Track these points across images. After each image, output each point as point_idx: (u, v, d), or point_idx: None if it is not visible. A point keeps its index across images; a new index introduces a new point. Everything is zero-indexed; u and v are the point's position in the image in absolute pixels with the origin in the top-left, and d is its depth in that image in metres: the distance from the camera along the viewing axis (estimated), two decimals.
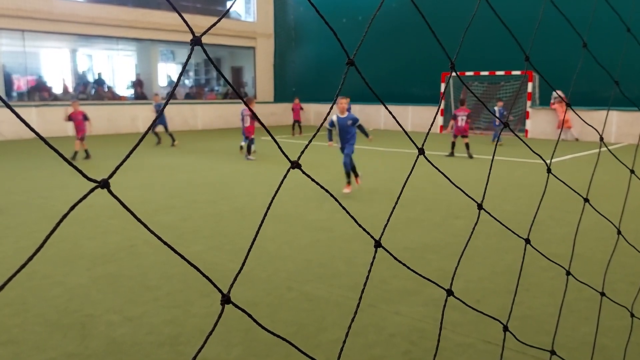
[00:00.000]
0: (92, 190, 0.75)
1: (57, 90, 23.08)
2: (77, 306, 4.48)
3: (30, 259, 0.67)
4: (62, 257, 5.64)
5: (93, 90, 23.92)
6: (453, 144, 14.54)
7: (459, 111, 14.43)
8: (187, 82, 28.23)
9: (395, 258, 1.34)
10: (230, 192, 9.46)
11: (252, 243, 1.03)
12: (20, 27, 19.64)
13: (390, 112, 1.47)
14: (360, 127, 9.01)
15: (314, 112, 26.77)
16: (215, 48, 25.91)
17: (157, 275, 5.20)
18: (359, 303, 1.27)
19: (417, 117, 23.21)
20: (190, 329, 4.09)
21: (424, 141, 1.48)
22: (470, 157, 14.08)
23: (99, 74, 25.00)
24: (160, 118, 14.49)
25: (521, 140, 1.58)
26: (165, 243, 0.83)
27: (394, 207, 1.28)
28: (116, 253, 5.87)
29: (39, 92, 21.62)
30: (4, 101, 0.79)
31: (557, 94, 12.79)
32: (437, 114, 1.70)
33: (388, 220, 1.31)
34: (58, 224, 0.70)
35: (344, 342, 1.21)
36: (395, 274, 5.10)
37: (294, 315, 4.32)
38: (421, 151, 1.50)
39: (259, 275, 5.15)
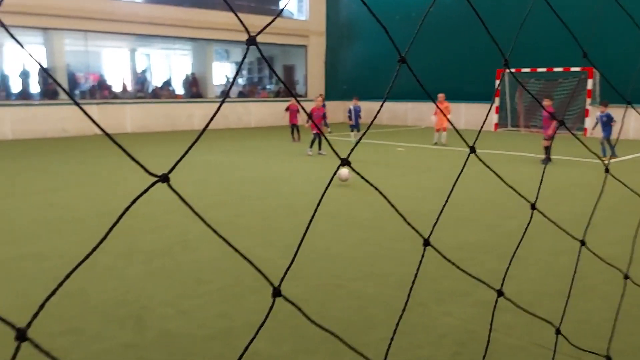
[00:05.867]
0: (153, 184, 0.79)
1: (117, 88, 23.92)
2: (133, 298, 4.64)
3: (92, 252, 0.71)
4: (120, 250, 5.85)
5: (150, 89, 24.67)
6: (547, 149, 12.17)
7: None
8: (241, 80, 28.69)
9: (444, 257, 1.33)
10: (282, 189, 9.57)
11: (302, 240, 1.05)
12: (83, 27, 20.46)
13: (440, 110, 1.46)
14: None
15: (366, 109, 26.66)
16: (268, 47, 26.21)
17: (210, 269, 5.33)
18: (407, 302, 1.27)
19: (471, 114, 22.75)
20: (241, 323, 4.17)
21: (476, 139, 1.46)
22: (546, 161, 11.84)
23: (156, 73, 25.76)
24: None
25: (578, 139, 1.53)
26: (220, 237, 0.86)
27: (443, 206, 1.27)
28: (171, 247, 6.05)
29: (99, 90, 22.48)
30: (72, 98, 0.83)
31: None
32: (489, 111, 1.67)
33: (438, 219, 1.30)
34: (120, 217, 0.74)
35: (391, 340, 1.21)
36: (445, 274, 5.03)
37: (342, 313, 4.33)
38: (472, 149, 1.48)
39: (308, 272, 5.19)
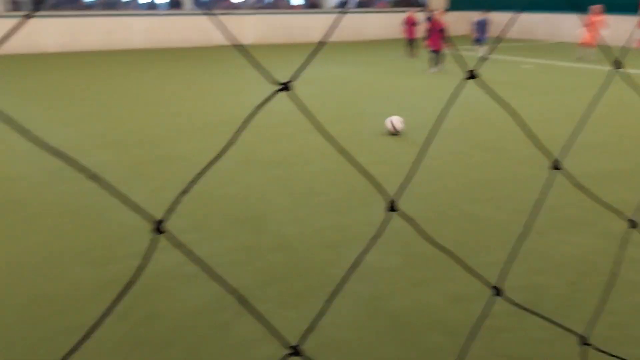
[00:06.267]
0: (276, 92, 0.78)
1: None
2: (253, 204, 4.91)
3: (218, 156, 0.72)
4: (240, 159, 6.14)
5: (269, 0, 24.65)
6: None
7: None
8: None
9: (576, 184, 1.23)
10: (399, 105, 9.38)
11: (418, 159, 1.01)
12: None
13: (592, 24, 1.30)
14: None
15: (494, 22, 24.87)
16: None
17: (324, 181, 5.46)
18: (525, 226, 1.20)
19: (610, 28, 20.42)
20: (352, 234, 4.28)
21: (618, 58, 1.29)
22: None
23: None
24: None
25: None
26: (343, 151, 0.85)
27: (575, 128, 1.16)
28: (288, 158, 6.24)
29: (221, 1, 22.89)
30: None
31: None
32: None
33: (569, 142, 1.19)
34: (244, 125, 0.74)
35: (506, 264, 1.16)
36: (569, 202, 4.76)
37: (454, 234, 4.29)
38: (617, 65, 1.32)
39: (421, 191, 5.13)
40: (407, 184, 0.96)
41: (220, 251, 3.99)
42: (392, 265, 3.77)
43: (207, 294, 3.41)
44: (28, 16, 0.59)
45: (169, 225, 0.72)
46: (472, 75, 1.13)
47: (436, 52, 13.23)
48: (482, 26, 15.29)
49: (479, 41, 15.38)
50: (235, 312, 3.20)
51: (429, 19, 14.93)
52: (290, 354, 0.80)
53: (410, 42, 16.36)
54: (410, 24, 16.23)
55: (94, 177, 0.73)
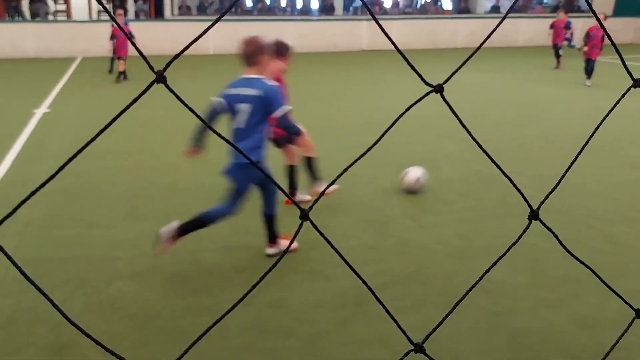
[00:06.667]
0: (427, 94, 0.83)
1: (387, 4, 24.35)
2: (380, 206, 4.99)
3: (358, 159, 0.79)
4: (373, 160, 6.23)
5: (419, 4, 24.51)
6: None
7: None
8: None
9: None
10: (541, 115, 8.90)
11: (564, 175, 1.00)
12: None
13: None
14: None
15: None
16: None
17: (453, 190, 5.38)
18: None
19: None
20: (478, 245, 4.18)
21: None
22: None
23: None
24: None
25: None
26: (486, 153, 0.89)
27: None
28: (420, 163, 6.21)
29: (371, 6, 23.24)
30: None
31: None
32: None
33: None
34: (390, 126, 0.80)
35: None
36: None
37: (590, 255, 4.00)
38: None
39: (557, 207, 4.85)
40: (547, 197, 0.94)
41: (343, 251, 4.11)
42: (519, 282, 3.63)
43: (328, 290, 3.54)
44: (217, 20, 0.68)
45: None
46: (637, 84, 1.09)
47: (589, 60, 12.08)
48: None
49: None
50: (353, 311, 3.30)
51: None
52: (414, 351, 0.86)
53: (555, 47, 14.55)
54: (559, 27, 14.32)
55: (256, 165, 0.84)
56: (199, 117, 0.74)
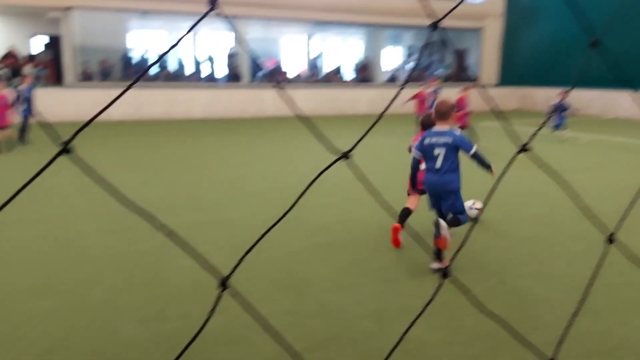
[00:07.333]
0: (335, 161, 0.79)
1: (291, 74, 25.11)
2: (295, 269, 4.88)
3: (276, 223, 0.73)
4: (286, 224, 6.16)
5: (321, 75, 25.49)
6: None
7: None
8: (409, 66, 28.36)
9: (631, 257, 1.17)
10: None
11: (468, 234, 0.98)
12: (265, 14, 21.80)
13: None
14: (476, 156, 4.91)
15: (541, 97, 24.84)
16: (440, 30, 25.52)
17: (368, 250, 5.39)
18: (578, 307, 1.14)
19: None
20: (395, 305, 4.16)
21: None
22: None
23: (328, 59, 26.54)
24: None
25: None
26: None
27: (631, 203, 1.11)
28: (332, 226, 6.23)
29: (276, 75, 23.83)
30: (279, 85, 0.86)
31: None
32: None
33: (624, 214, 1.14)
34: (303, 193, 0.75)
35: (560, 343, 1.10)
36: (627, 281, 4.52)
37: (503, 310, 4.10)
38: None
39: (468, 265, 4.99)
40: (455, 256, 0.91)
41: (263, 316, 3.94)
42: (435, 340, 3.62)
43: (250, 359, 3.35)
44: (126, 89, 0.66)
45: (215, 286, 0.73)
46: (523, 149, 1.12)
47: (463, 128, 12.22)
48: (560, 110, 13.78)
49: (557, 127, 13.98)
50: None
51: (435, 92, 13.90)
52: None
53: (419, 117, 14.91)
54: (421, 99, 14.86)
55: (170, 234, 0.80)
56: (117, 192, 0.70)
